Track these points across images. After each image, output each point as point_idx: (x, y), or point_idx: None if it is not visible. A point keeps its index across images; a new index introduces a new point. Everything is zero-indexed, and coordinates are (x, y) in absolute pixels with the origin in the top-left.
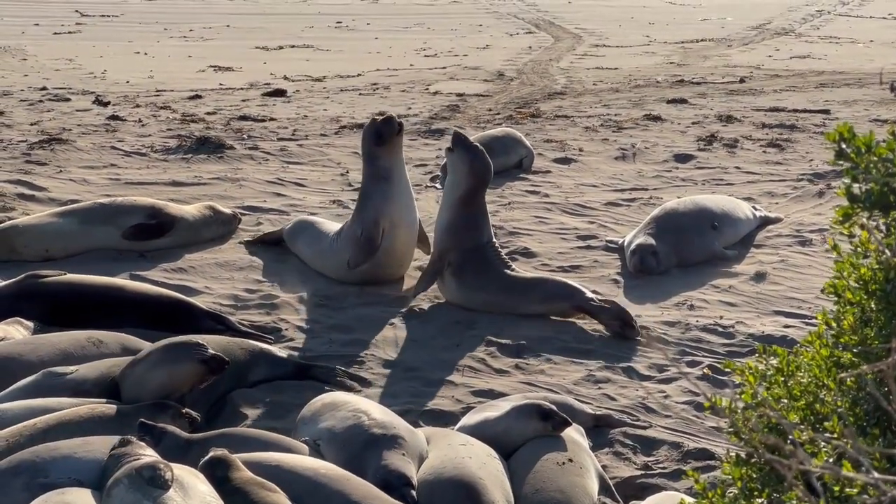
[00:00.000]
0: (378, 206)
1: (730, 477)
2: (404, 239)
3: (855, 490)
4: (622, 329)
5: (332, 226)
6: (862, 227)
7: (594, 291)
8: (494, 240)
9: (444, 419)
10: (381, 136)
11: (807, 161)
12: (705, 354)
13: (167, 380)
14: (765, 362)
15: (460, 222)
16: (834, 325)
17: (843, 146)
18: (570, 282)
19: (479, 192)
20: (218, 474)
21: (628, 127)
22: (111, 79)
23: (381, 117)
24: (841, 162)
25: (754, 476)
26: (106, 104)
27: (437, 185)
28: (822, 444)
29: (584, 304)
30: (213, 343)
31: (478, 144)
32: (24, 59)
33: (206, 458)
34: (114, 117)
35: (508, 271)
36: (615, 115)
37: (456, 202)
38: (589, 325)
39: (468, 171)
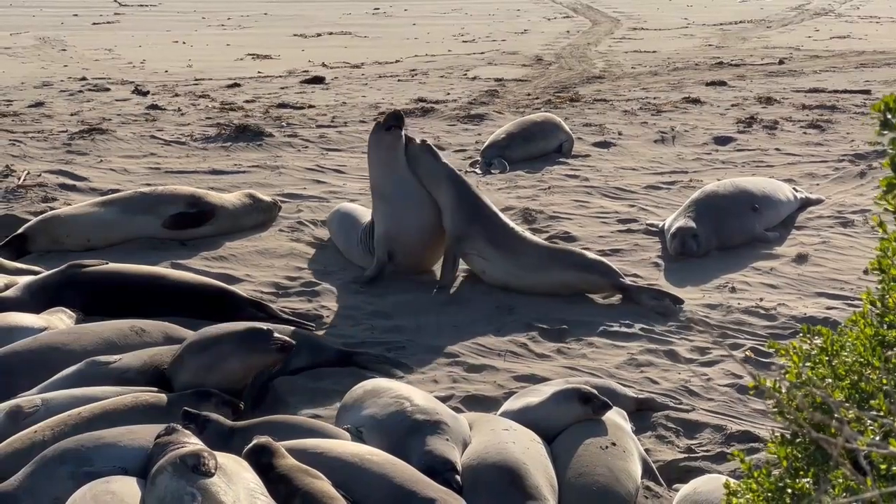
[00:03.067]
0: (381, 228)
1: (775, 457)
2: (419, 239)
3: None
4: (663, 307)
5: (363, 218)
6: None
7: (634, 275)
8: (502, 216)
9: (487, 404)
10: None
11: (848, 142)
12: (747, 337)
13: (240, 368)
14: (809, 342)
15: (455, 203)
16: (878, 304)
17: (889, 116)
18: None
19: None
20: (262, 461)
21: (667, 110)
22: (150, 68)
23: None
24: (885, 132)
25: (799, 456)
26: (145, 94)
27: (477, 171)
28: (869, 422)
29: (619, 283)
30: None
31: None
32: (64, 50)
33: (250, 445)
34: (153, 107)
35: (536, 239)
36: (654, 98)
37: (441, 187)
38: (630, 308)
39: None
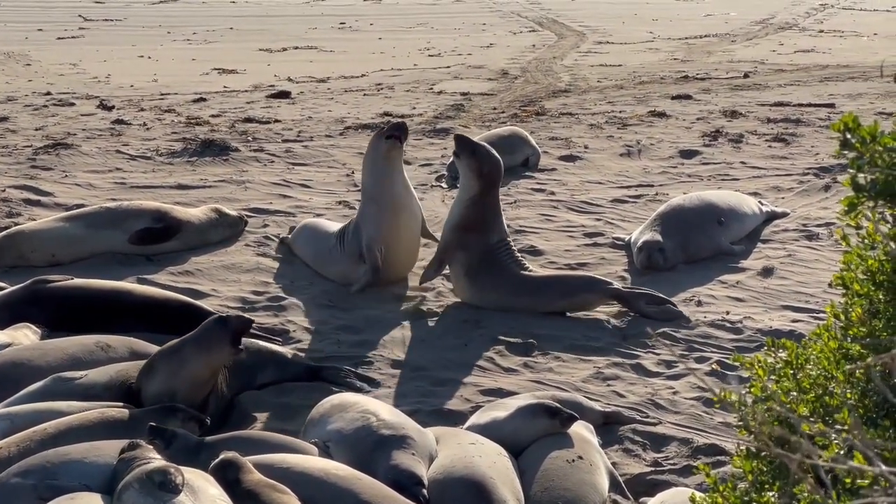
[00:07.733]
0: (371, 231)
1: (740, 470)
2: (405, 247)
3: (866, 482)
4: (664, 312)
5: (331, 228)
6: (868, 217)
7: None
8: (508, 239)
9: (453, 418)
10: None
11: (812, 155)
12: (713, 350)
13: (203, 367)
14: (774, 355)
15: (468, 222)
16: (842, 317)
17: (848, 136)
18: (590, 274)
19: (490, 192)
20: (228, 477)
21: (633, 124)
22: (115, 83)
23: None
24: (846, 152)
25: (765, 469)
26: (110, 108)
27: (443, 185)
28: (833, 435)
29: (612, 291)
30: None
31: (482, 144)
32: (28, 65)
33: (217, 460)
34: (118, 121)
35: (523, 271)
36: (620, 111)
37: (468, 202)
38: (597, 322)
39: (477, 175)
